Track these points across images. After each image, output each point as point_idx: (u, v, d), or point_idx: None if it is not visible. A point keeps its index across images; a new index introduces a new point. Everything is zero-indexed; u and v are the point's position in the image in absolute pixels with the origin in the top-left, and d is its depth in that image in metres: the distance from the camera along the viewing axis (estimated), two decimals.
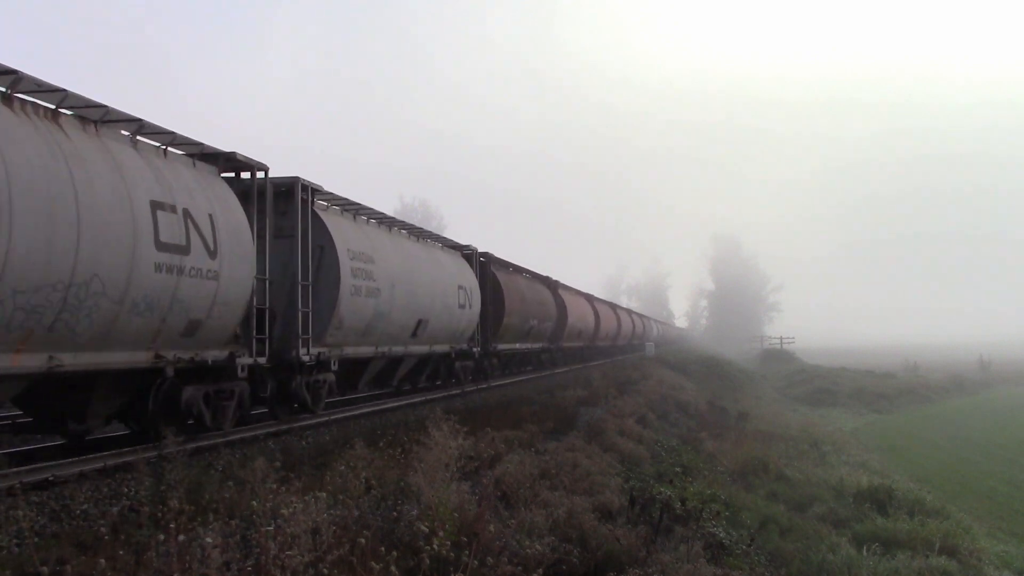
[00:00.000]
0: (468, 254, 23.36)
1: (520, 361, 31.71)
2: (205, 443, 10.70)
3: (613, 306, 58.84)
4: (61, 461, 9.17)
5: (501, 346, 26.50)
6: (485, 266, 24.70)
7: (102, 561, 4.76)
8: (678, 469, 13.48)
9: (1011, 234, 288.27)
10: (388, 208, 22.33)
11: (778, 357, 73.19)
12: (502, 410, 16.31)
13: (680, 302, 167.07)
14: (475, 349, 22.98)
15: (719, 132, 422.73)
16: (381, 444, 9.90)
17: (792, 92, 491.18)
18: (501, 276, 26.44)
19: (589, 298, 46.65)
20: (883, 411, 38.21)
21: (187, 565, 4.60)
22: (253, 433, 12.20)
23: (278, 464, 7.27)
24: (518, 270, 30.83)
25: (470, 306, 21.47)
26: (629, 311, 72.94)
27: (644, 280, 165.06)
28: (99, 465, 9.12)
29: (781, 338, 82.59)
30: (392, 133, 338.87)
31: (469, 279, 21.92)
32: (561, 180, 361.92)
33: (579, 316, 39.68)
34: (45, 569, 4.47)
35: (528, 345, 30.81)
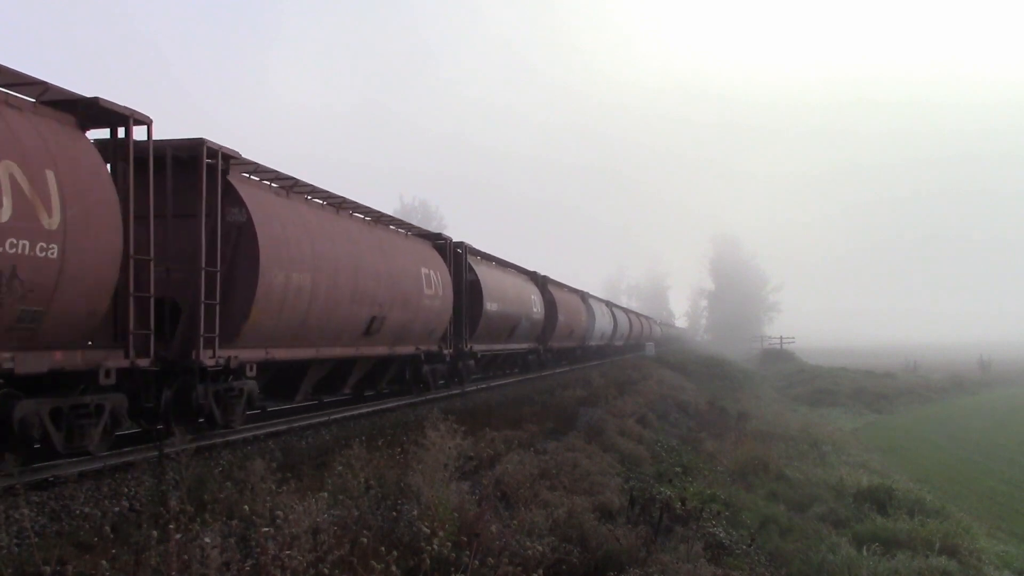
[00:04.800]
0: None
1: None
2: (206, 443, 10.70)
3: (584, 296, 42.00)
4: (61, 461, 9.17)
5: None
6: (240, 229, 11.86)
7: (103, 563, 4.76)
8: (678, 469, 13.48)
9: (1012, 235, 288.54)
10: (388, 208, 20.33)
11: (778, 357, 73.17)
12: (502, 410, 16.31)
13: (680, 302, 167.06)
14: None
15: (720, 133, 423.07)
16: (380, 444, 9.92)
17: (793, 94, 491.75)
18: (258, 217, 11.80)
19: (540, 280, 31.88)
20: (883, 411, 38.18)
21: (186, 565, 4.60)
22: (253, 433, 12.21)
23: (275, 465, 7.28)
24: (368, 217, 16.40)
25: None
26: (610, 304, 55.93)
27: (644, 280, 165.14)
28: (99, 465, 9.12)
29: (781, 338, 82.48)
30: (392, 134, 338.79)
31: None
32: (561, 180, 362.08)
33: (513, 303, 26.03)
34: (47, 569, 4.47)
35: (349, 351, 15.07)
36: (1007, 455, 24.99)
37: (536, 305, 29.55)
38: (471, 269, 22.43)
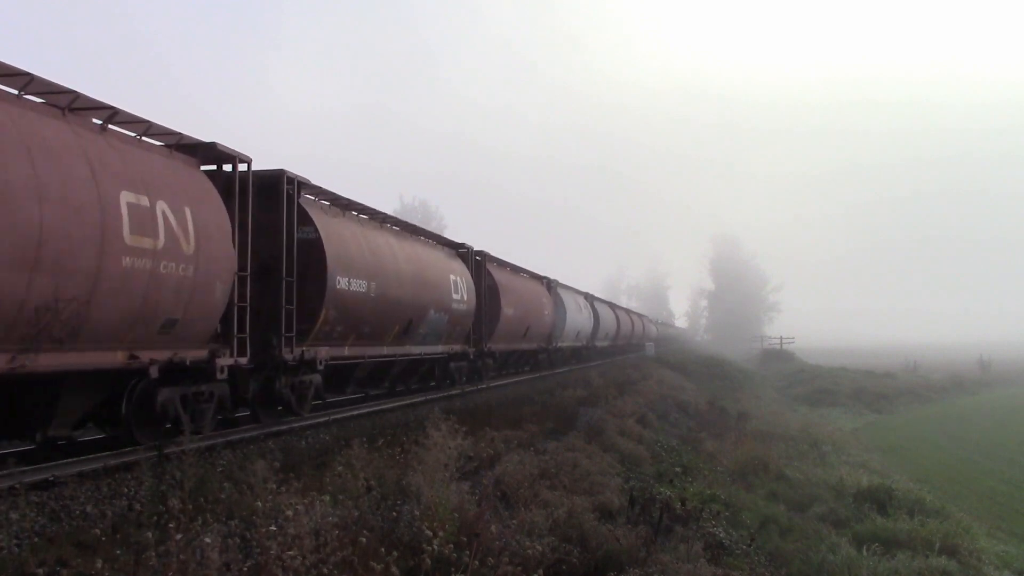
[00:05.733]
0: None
1: None
2: (206, 443, 10.69)
3: (550, 284, 33.57)
4: (61, 461, 9.17)
5: None
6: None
7: (102, 563, 4.75)
8: (678, 469, 13.49)
9: (1012, 235, 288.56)
10: (388, 208, 20.01)
11: (778, 357, 73.21)
12: (502, 410, 16.30)
13: (680, 302, 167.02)
14: None
15: (720, 133, 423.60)
16: (380, 444, 9.91)
17: (793, 94, 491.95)
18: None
19: (471, 257, 22.94)
20: (883, 411, 38.18)
21: (186, 565, 4.60)
22: (253, 433, 12.19)
23: (277, 464, 7.28)
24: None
25: None
26: (591, 296, 45.83)
27: (644, 280, 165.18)
28: (99, 465, 9.12)
29: (781, 338, 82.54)
30: (392, 134, 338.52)
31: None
32: (561, 180, 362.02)
33: (409, 283, 16.82)
34: (42, 570, 4.47)
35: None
36: (1007, 455, 24.99)
37: (460, 290, 20.41)
38: (308, 220, 13.43)
